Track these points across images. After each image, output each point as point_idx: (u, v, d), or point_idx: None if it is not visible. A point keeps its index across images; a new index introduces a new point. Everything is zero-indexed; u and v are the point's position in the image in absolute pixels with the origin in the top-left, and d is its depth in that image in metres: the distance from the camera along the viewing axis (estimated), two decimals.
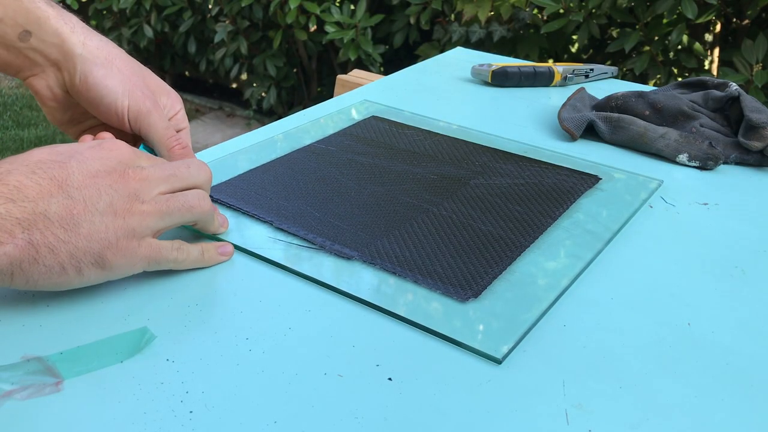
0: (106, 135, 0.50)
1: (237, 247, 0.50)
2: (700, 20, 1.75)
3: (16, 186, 0.40)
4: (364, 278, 0.47)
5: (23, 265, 0.39)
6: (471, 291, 0.46)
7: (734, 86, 0.75)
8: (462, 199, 0.58)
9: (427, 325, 0.43)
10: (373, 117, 0.76)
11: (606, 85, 0.91)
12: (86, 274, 0.42)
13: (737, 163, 0.70)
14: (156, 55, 3.22)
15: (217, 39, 2.70)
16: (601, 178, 0.63)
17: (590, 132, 0.75)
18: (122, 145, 0.46)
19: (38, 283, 0.41)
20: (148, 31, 2.95)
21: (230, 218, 0.54)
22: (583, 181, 0.62)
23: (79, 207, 0.41)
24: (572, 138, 0.73)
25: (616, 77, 0.97)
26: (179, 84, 3.36)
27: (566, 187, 0.61)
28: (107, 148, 0.44)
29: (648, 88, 0.87)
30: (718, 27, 2.06)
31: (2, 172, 0.40)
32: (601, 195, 0.60)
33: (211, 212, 0.49)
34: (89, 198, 0.41)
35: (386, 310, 0.44)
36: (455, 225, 0.54)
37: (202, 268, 0.48)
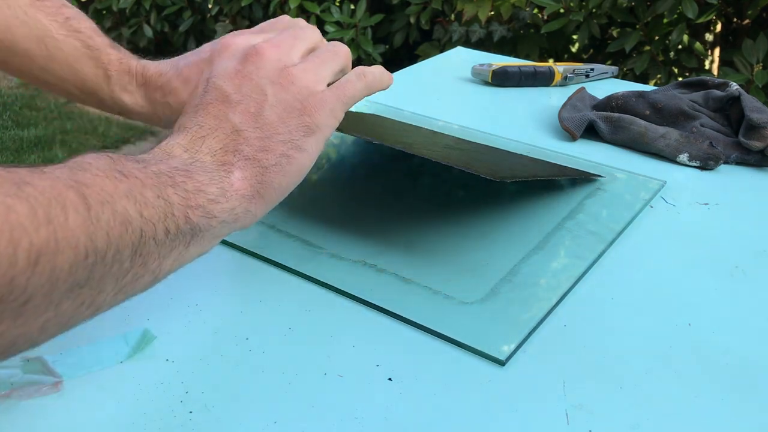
0: None
1: (236, 247, 0.50)
2: (701, 20, 1.75)
3: (199, 124, 0.40)
4: (364, 278, 0.47)
5: (258, 177, 0.40)
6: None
7: (735, 86, 0.75)
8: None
9: (429, 326, 0.43)
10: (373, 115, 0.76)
11: (606, 85, 0.91)
12: (307, 146, 0.42)
13: (738, 163, 0.70)
14: (156, 55, 3.22)
15: (216, 39, 2.70)
16: (603, 176, 0.63)
17: (590, 132, 0.75)
18: (233, 36, 0.47)
19: (283, 184, 0.41)
20: (148, 31, 2.95)
21: None
22: (586, 180, 0.62)
23: (250, 103, 0.41)
24: (572, 138, 0.73)
25: (616, 77, 0.97)
26: None
27: (569, 187, 0.61)
28: (224, 45, 0.46)
29: (648, 87, 0.87)
30: (719, 27, 2.06)
31: (180, 125, 0.41)
32: (603, 195, 0.60)
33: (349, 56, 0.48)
34: (247, 93, 0.42)
35: (387, 310, 0.44)
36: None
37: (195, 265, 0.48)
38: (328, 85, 0.44)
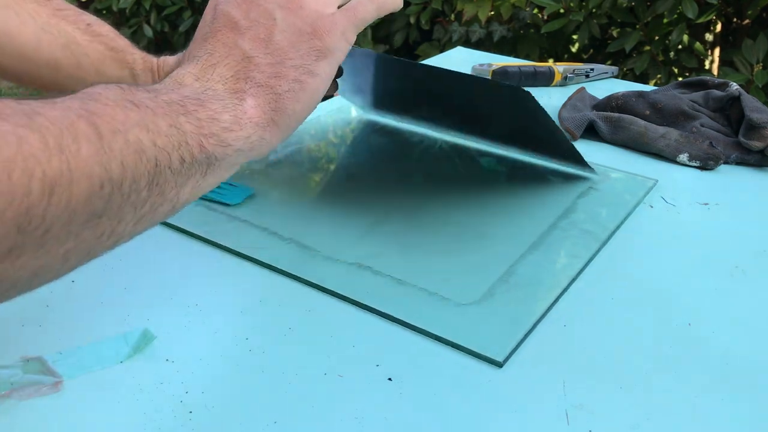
0: None
1: (235, 252, 0.50)
2: (701, 20, 1.75)
3: (208, 51, 0.40)
4: (361, 281, 0.47)
5: (271, 104, 0.40)
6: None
7: (735, 86, 0.75)
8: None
9: (426, 329, 0.42)
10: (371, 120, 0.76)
11: (606, 85, 0.91)
12: (319, 70, 0.41)
13: (738, 163, 0.70)
14: (156, 55, 3.22)
15: None
16: (594, 169, 0.63)
17: (590, 132, 0.75)
18: None
19: (297, 110, 0.41)
20: (148, 31, 2.95)
21: (226, 222, 0.54)
22: (579, 178, 0.62)
23: (260, 29, 0.41)
24: (572, 138, 0.73)
25: (616, 77, 0.97)
26: None
27: (561, 186, 0.61)
28: None
29: (648, 87, 0.87)
30: (719, 27, 2.06)
31: (187, 55, 0.41)
32: (596, 194, 0.60)
33: None
34: (256, 19, 0.41)
35: (387, 314, 0.44)
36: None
37: (194, 266, 0.48)
38: (339, 7, 0.44)
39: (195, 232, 0.51)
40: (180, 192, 0.36)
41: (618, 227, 0.56)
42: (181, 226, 0.52)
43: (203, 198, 0.55)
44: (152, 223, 0.35)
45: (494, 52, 1.07)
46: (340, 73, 0.54)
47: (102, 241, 0.32)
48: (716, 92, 0.76)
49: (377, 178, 0.62)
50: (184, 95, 0.37)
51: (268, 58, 0.40)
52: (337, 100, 0.81)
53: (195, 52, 0.41)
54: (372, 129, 0.73)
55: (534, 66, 0.91)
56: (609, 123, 0.73)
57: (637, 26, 1.87)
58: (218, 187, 0.57)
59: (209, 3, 0.45)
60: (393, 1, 0.47)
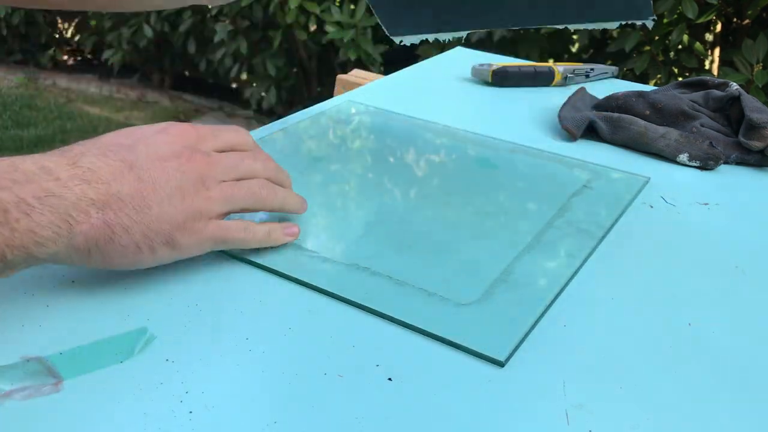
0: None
1: (234, 256, 0.50)
2: (701, 20, 1.75)
3: (90, 168, 0.41)
4: (359, 282, 0.47)
5: (99, 243, 0.41)
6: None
7: (735, 86, 0.75)
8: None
9: (427, 329, 0.42)
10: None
11: (606, 85, 0.91)
12: (159, 253, 0.43)
13: (738, 163, 0.70)
14: (156, 55, 3.22)
15: (216, 39, 2.70)
16: (588, 169, 0.63)
17: (590, 132, 0.75)
18: (187, 128, 0.47)
19: (114, 262, 0.43)
20: (148, 31, 2.95)
21: None
22: (572, 177, 0.63)
23: (148, 189, 0.42)
24: (572, 138, 0.73)
25: (616, 77, 0.97)
26: (179, 84, 3.36)
27: (556, 185, 0.61)
28: (173, 133, 0.46)
29: (648, 87, 0.87)
30: (719, 27, 2.06)
31: (76, 154, 0.42)
32: (590, 193, 0.61)
33: (278, 201, 0.50)
34: (158, 180, 0.43)
35: (387, 315, 0.44)
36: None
37: (196, 270, 0.48)
38: (223, 215, 0.46)
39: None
40: None
41: (613, 225, 0.56)
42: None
43: None
44: None
45: (494, 52, 1.07)
46: None
47: None
48: (716, 92, 0.76)
49: (375, 178, 0.62)
50: (21, 197, 0.38)
51: (133, 213, 0.42)
52: (336, 99, 0.81)
53: (91, 151, 0.42)
54: (371, 129, 0.73)
55: (534, 66, 0.91)
56: (609, 123, 0.73)
57: (637, 26, 1.87)
58: None
59: (138, 127, 0.47)
60: (258, 237, 0.48)
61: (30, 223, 0.38)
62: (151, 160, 0.43)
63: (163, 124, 0.47)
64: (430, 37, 0.67)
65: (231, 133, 0.50)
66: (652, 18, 0.60)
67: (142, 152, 0.44)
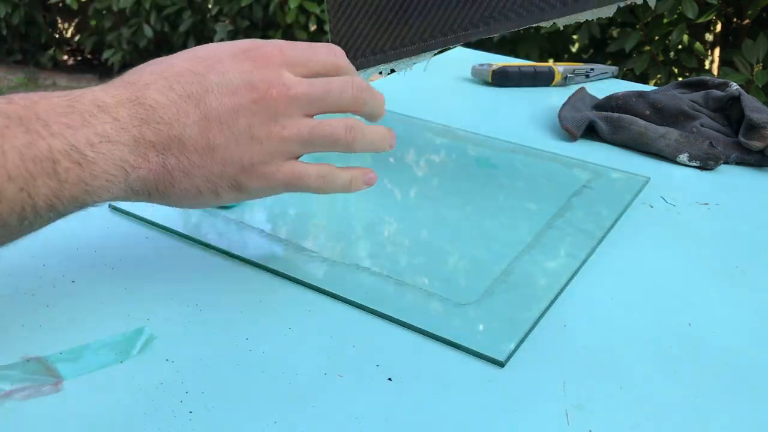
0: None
1: (234, 256, 0.50)
2: (701, 20, 1.75)
3: (152, 105, 0.38)
4: (363, 281, 0.47)
5: (159, 187, 0.39)
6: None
7: (735, 86, 0.75)
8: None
9: (428, 330, 0.42)
10: None
11: (606, 85, 0.91)
12: (223, 196, 0.40)
13: (738, 163, 0.70)
14: (156, 55, 3.22)
15: (216, 39, 2.70)
16: (588, 169, 0.63)
17: (590, 132, 0.75)
18: (272, 52, 0.41)
19: (175, 203, 0.40)
20: (148, 31, 2.95)
21: (223, 225, 0.54)
22: (572, 177, 0.63)
23: (214, 129, 0.39)
24: (572, 138, 0.73)
25: (616, 77, 0.97)
26: None
27: (555, 185, 0.61)
28: (252, 58, 0.40)
29: (648, 87, 0.87)
30: (719, 27, 2.06)
31: (140, 86, 0.38)
32: (590, 193, 0.61)
33: (364, 145, 0.43)
34: (226, 119, 0.39)
35: (387, 315, 0.44)
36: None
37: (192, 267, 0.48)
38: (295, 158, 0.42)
39: (192, 236, 0.51)
40: (14, 238, 0.36)
41: (613, 225, 0.56)
42: (177, 230, 0.51)
43: None
44: None
45: (494, 52, 1.07)
46: None
47: None
48: (716, 92, 0.76)
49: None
50: (71, 143, 0.35)
51: (196, 156, 0.39)
52: None
53: (145, 89, 0.38)
54: None
55: (534, 66, 0.91)
56: (609, 123, 0.73)
57: (637, 26, 1.87)
58: None
59: (217, 46, 0.41)
60: (340, 186, 0.44)
61: (81, 173, 0.35)
62: (221, 95, 0.39)
63: (246, 44, 0.41)
64: (387, 68, 0.60)
65: (322, 55, 0.43)
66: None
67: (213, 84, 0.39)
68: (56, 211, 0.36)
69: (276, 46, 0.41)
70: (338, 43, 0.60)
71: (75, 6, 3.02)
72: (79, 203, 0.36)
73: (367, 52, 0.59)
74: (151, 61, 0.41)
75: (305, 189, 0.42)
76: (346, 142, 0.42)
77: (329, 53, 0.43)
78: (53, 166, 0.34)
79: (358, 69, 0.58)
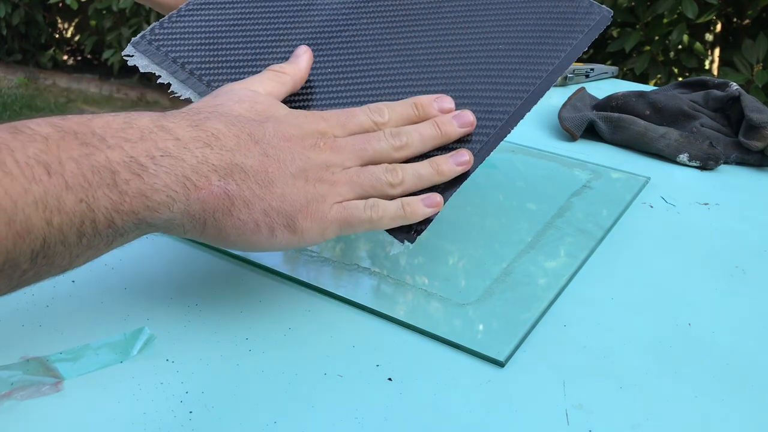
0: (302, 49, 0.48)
1: (234, 256, 0.50)
2: (701, 20, 1.75)
3: (214, 134, 0.38)
4: (358, 282, 0.47)
5: (217, 215, 0.38)
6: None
7: (735, 86, 0.75)
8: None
9: (427, 330, 0.42)
10: None
11: (606, 85, 0.91)
12: (278, 236, 0.40)
13: (738, 163, 0.70)
14: None
15: None
16: (588, 169, 0.63)
17: (590, 132, 0.75)
18: (318, 116, 0.44)
19: (230, 239, 0.39)
20: None
21: None
22: (572, 177, 0.63)
23: (273, 166, 0.40)
24: (572, 138, 0.73)
25: (616, 77, 0.97)
26: None
27: (555, 185, 0.61)
28: (304, 115, 0.43)
29: (648, 88, 0.87)
30: (719, 27, 2.06)
31: (201, 117, 0.39)
32: (590, 193, 0.61)
33: (406, 184, 0.43)
34: (283, 159, 0.40)
35: (387, 315, 0.44)
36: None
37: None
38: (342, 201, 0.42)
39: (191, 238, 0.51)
40: (74, 261, 0.34)
41: (613, 225, 0.56)
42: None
43: None
44: (36, 282, 0.34)
45: None
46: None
47: None
48: (716, 92, 0.76)
49: None
50: (132, 155, 0.35)
51: (256, 187, 0.39)
52: None
53: (217, 118, 0.39)
54: None
55: None
56: (609, 123, 0.73)
57: (637, 26, 1.87)
58: None
59: (270, 104, 0.43)
60: (389, 214, 0.43)
61: (142, 185, 0.35)
62: (278, 139, 0.40)
63: (294, 111, 0.44)
64: None
65: (361, 117, 0.45)
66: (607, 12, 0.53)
67: (270, 130, 0.41)
68: (115, 227, 0.35)
69: (318, 114, 0.44)
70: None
71: (75, 6, 3.02)
72: (138, 220, 0.35)
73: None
74: (202, 102, 0.42)
75: (358, 223, 0.42)
76: (387, 183, 0.43)
77: (365, 116, 0.45)
78: (113, 177, 0.34)
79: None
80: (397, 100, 0.47)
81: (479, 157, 0.46)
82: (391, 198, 0.43)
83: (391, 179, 0.43)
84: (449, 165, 0.45)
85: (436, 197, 0.44)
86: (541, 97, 0.48)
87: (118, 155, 0.34)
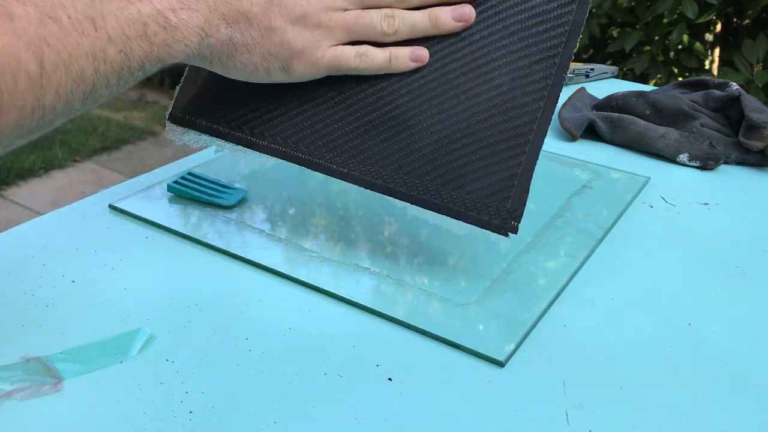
0: None
1: (234, 256, 0.50)
2: (701, 20, 1.75)
3: None
4: (358, 282, 0.47)
5: (222, 57, 0.44)
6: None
7: (735, 86, 0.75)
8: None
9: (427, 330, 0.42)
10: None
11: (606, 85, 0.91)
12: (273, 76, 0.46)
13: (738, 163, 0.70)
14: None
15: None
16: (588, 169, 0.63)
17: (590, 132, 0.75)
18: None
19: (230, 74, 0.46)
20: None
21: (222, 224, 0.54)
22: (572, 177, 0.63)
23: (275, 13, 0.44)
24: (572, 138, 0.73)
25: (616, 77, 0.97)
26: (179, 83, 3.35)
27: (555, 185, 0.61)
28: None
29: (648, 87, 0.87)
30: (719, 27, 2.06)
31: None
32: (590, 193, 0.61)
33: (402, 33, 0.47)
34: (285, 4, 0.44)
35: (387, 315, 0.44)
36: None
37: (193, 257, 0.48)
38: (343, 44, 0.46)
39: (192, 236, 0.51)
40: (112, 94, 0.40)
41: (613, 225, 0.56)
42: (177, 229, 0.51)
43: (198, 200, 0.55)
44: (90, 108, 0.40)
45: None
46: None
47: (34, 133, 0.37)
48: (716, 92, 0.76)
49: None
50: (157, 8, 0.40)
51: (257, 35, 0.44)
52: None
53: None
54: None
55: None
56: (609, 123, 0.73)
57: (637, 26, 1.87)
58: (212, 189, 0.57)
59: None
60: (377, 64, 0.47)
61: (166, 37, 0.40)
62: None
63: None
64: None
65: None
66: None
67: None
68: (144, 71, 0.41)
69: None
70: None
71: None
72: (161, 63, 0.41)
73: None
74: None
75: (346, 68, 0.47)
76: (382, 32, 0.46)
77: None
78: (144, 29, 0.39)
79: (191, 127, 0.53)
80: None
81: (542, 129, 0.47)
82: (383, 45, 0.47)
83: (386, 29, 0.46)
84: (447, 18, 0.47)
85: (422, 52, 0.47)
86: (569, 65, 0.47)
87: (147, 8, 0.40)
